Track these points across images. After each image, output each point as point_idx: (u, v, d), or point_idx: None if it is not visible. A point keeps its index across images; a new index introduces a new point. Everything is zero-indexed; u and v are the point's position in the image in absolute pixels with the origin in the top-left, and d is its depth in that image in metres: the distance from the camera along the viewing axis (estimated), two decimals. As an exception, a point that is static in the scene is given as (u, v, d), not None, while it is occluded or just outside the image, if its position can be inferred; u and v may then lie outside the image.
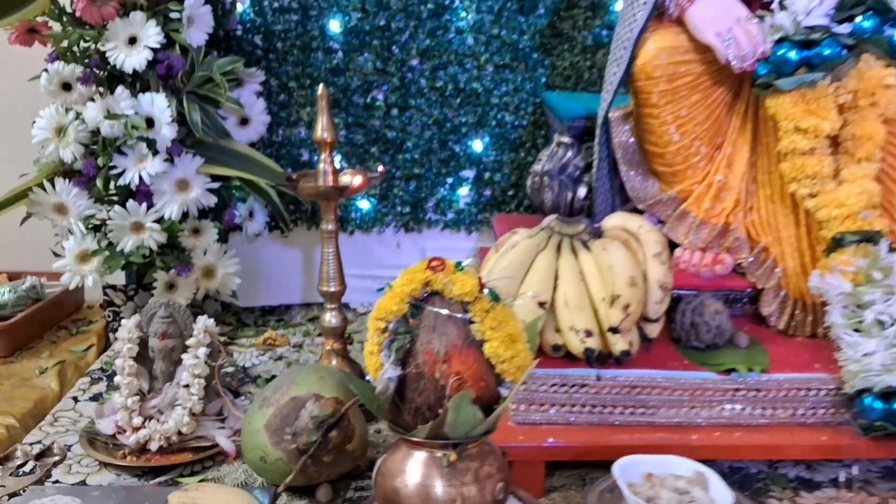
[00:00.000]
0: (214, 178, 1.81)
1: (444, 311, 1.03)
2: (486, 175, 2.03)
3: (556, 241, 1.36)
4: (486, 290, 1.05)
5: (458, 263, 1.06)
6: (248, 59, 1.92)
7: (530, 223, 1.44)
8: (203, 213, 1.85)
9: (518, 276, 1.33)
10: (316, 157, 2.00)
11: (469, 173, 2.04)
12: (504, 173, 2.03)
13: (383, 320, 1.06)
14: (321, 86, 1.43)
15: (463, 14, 1.93)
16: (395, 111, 1.98)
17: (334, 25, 1.93)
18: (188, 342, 1.44)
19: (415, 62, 1.96)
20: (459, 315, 1.03)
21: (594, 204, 1.56)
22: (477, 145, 2.01)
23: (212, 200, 1.80)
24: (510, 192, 2.04)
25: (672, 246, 1.50)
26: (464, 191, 2.05)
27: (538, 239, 1.36)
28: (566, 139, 1.61)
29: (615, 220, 1.37)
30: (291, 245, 2.08)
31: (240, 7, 1.90)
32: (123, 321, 1.47)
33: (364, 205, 2.06)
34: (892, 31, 1.39)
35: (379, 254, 2.09)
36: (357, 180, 1.44)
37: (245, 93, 1.90)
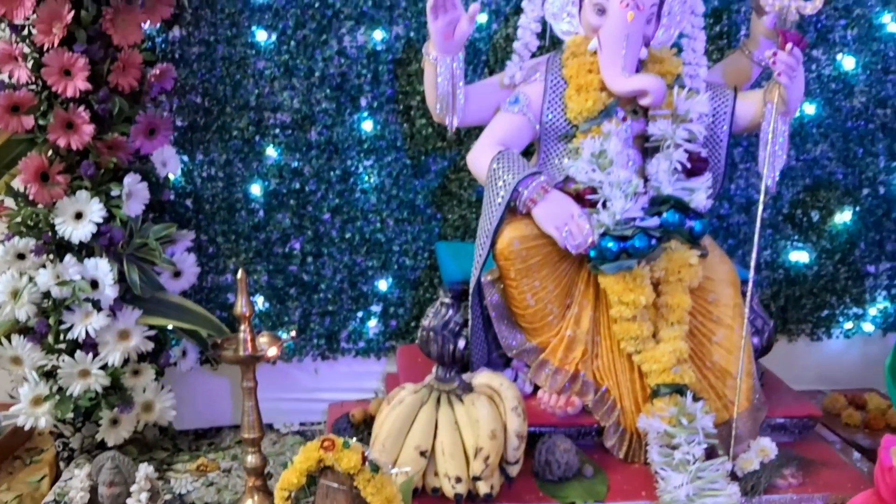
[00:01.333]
0: (152, 326, 2.10)
1: (334, 484, 1.34)
2: (391, 309, 2.36)
3: (435, 395, 1.68)
4: (367, 463, 1.36)
5: (346, 442, 1.38)
6: (180, 220, 2.22)
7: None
8: (142, 356, 2.12)
9: (405, 427, 1.65)
10: (242, 299, 2.30)
11: (377, 308, 2.36)
12: (406, 307, 2.36)
13: (286, 490, 1.36)
14: (241, 270, 1.74)
15: (367, 178, 2.27)
16: (310, 258, 2.30)
17: (256, 189, 2.25)
18: (132, 488, 1.71)
19: (326, 217, 2.28)
20: (345, 487, 1.34)
21: (472, 354, 1.89)
22: (382, 285, 2.34)
23: (149, 346, 2.09)
24: (412, 324, 2.37)
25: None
26: (372, 323, 2.37)
27: (421, 395, 1.69)
28: (447, 299, 1.95)
29: (482, 378, 1.70)
30: (221, 374, 2.36)
31: (172, 177, 2.21)
32: (76, 470, 1.74)
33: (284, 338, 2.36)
34: (692, 223, 1.77)
35: (299, 379, 2.39)
36: (272, 351, 1.75)
37: (178, 249, 2.20)
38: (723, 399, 1.80)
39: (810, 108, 2.28)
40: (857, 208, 2.36)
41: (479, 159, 1.84)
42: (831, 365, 2.50)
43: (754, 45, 1.96)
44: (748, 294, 1.72)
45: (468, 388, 1.69)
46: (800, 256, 2.39)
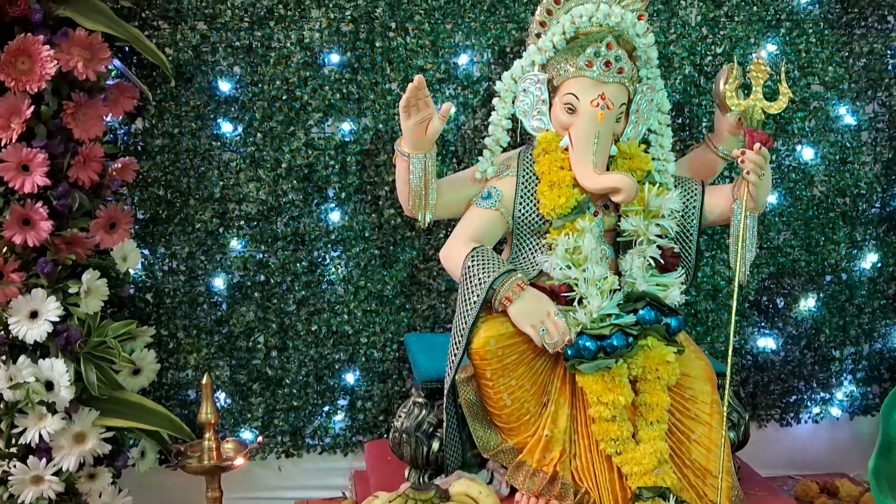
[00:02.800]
0: (109, 427, 2.00)
1: None
2: (359, 403, 2.30)
3: (410, 505, 1.62)
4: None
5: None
6: (140, 315, 2.15)
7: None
8: (98, 459, 2.02)
9: (379, 538, 1.58)
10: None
11: (343, 402, 2.30)
12: (374, 401, 2.30)
13: None
14: (206, 375, 1.68)
15: (334, 269, 2.23)
16: (274, 352, 2.24)
17: (219, 282, 2.19)
18: None
19: (292, 309, 2.23)
20: None
21: (446, 456, 1.84)
22: (349, 378, 2.28)
23: (106, 448, 1.99)
24: (381, 418, 2.31)
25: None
26: (339, 417, 2.30)
27: (396, 504, 1.62)
28: (420, 399, 1.90)
29: (460, 486, 1.65)
30: (181, 474, 2.25)
31: (132, 272, 2.14)
32: None
33: (247, 436, 2.27)
34: (668, 319, 1.76)
35: (262, 478, 2.30)
36: (238, 461, 1.67)
37: (137, 345, 2.12)
38: (703, 499, 1.77)
39: (773, 198, 2.32)
40: (821, 294, 2.40)
41: (452, 256, 1.81)
42: (801, 450, 2.50)
43: (719, 139, 2.00)
44: (726, 389, 1.71)
45: (445, 496, 1.63)
46: (767, 343, 2.41)
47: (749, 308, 2.38)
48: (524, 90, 1.87)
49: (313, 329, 2.24)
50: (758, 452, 2.26)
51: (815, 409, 2.48)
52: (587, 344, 1.70)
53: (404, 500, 1.63)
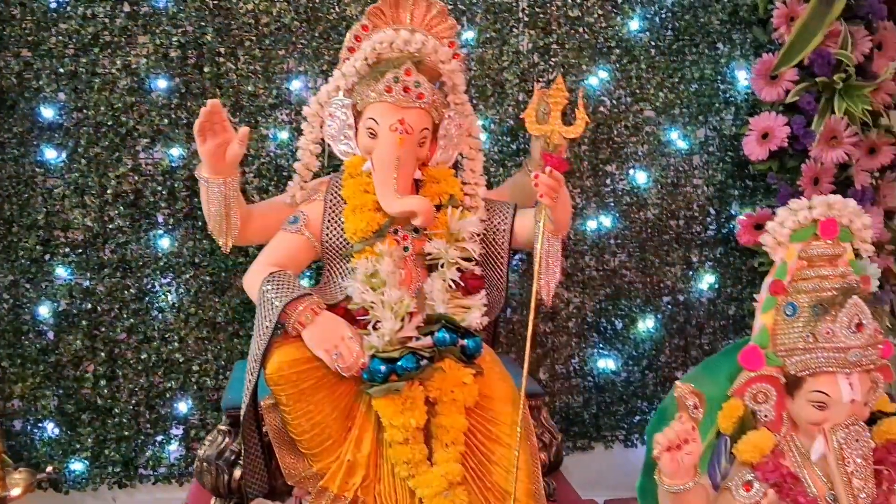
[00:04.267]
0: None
1: None
2: (193, 432, 2.27)
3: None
4: None
5: None
6: (-40, 344, 2.11)
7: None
8: None
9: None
10: (29, 427, 2.18)
11: (177, 431, 2.26)
12: (209, 430, 2.26)
13: None
14: None
15: (163, 296, 2.20)
16: (103, 381, 2.20)
17: (44, 311, 2.16)
18: None
19: (122, 337, 2.20)
20: None
21: (246, 483, 1.81)
22: (182, 406, 2.25)
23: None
24: (216, 446, 2.27)
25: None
26: (173, 447, 2.27)
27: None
28: (224, 427, 1.88)
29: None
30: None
31: (-51, 298, 2.10)
32: None
33: (77, 466, 2.22)
34: (465, 341, 1.77)
35: (97, 510, 2.25)
36: (15, 491, 1.63)
37: (-44, 376, 2.08)
38: (506, 517, 1.77)
39: (607, 221, 2.36)
40: (659, 315, 2.43)
41: (252, 280, 1.80)
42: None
43: (534, 164, 2.02)
44: (520, 409, 1.72)
45: (239, 524, 1.61)
46: (607, 363, 2.42)
47: (588, 330, 2.40)
48: (330, 115, 1.88)
49: (143, 357, 2.21)
50: (605, 475, 2.28)
51: (661, 430, 2.50)
52: (378, 367, 1.69)
53: (188, 529, 1.60)
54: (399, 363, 1.69)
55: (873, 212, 2.19)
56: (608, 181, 2.36)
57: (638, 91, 2.35)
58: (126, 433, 2.23)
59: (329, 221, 1.86)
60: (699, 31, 2.35)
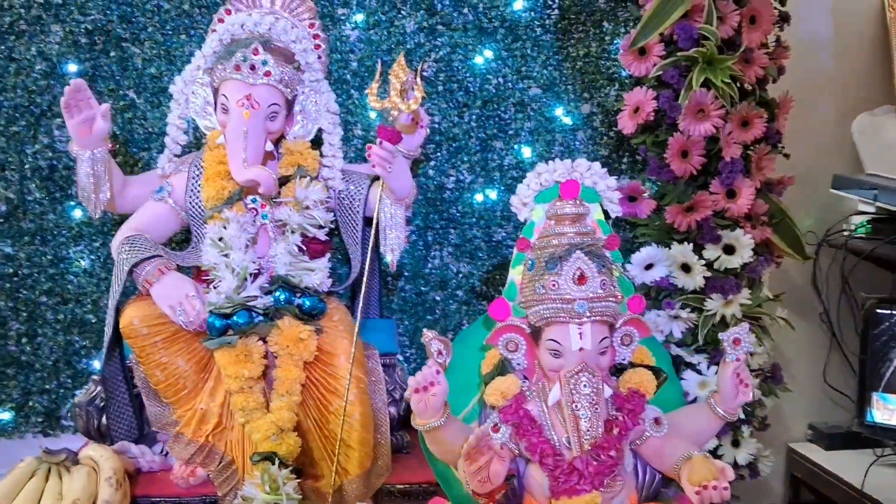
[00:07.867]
0: None
1: None
2: (108, 387, 2.48)
3: (45, 467, 1.79)
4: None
5: None
6: None
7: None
8: None
9: (10, 496, 1.75)
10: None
11: (93, 386, 2.48)
12: (122, 385, 2.48)
13: None
14: None
15: (77, 262, 2.41)
16: (25, 339, 2.43)
17: (-33, 269, 2.40)
18: None
19: (43, 300, 2.42)
20: None
21: (110, 427, 2.01)
22: (97, 364, 2.45)
23: None
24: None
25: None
26: (90, 400, 2.48)
27: (31, 466, 1.80)
28: (97, 377, 2.08)
29: (87, 451, 1.82)
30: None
31: None
32: None
33: (5, 416, 2.46)
34: (301, 300, 1.92)
35: (24, 454, 2.48)
36: None
37: None
38: (341, 468, 1.91)
39: (493, 194, 2.46)
40: (548, 285, 2.51)
41: (115, 244, 1.99)
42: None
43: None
44: (351, 365, 1.86)
45: (75, 460, 1.80)
46: (497, 331, 2.53)
47: (476, 298, 2.51)
48: (193, 92, 2.05)
49: (60, 318, 2.43)
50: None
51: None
52: (214, 321, 1.86)
53: (39, 461, 1.80)
54: (233, 318, 1.85)
55: (745, 183, 2.23)
56: (495, 156, 2.46)
57: (523, 69, 2.44)
58: (47, 386, 2.46)
59: (191, 190, 2.03)
60: (584, 10, 2.43)
